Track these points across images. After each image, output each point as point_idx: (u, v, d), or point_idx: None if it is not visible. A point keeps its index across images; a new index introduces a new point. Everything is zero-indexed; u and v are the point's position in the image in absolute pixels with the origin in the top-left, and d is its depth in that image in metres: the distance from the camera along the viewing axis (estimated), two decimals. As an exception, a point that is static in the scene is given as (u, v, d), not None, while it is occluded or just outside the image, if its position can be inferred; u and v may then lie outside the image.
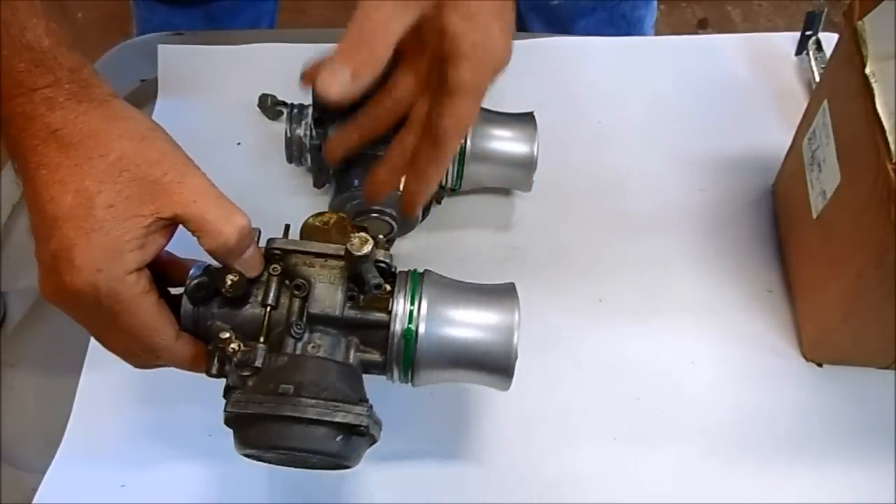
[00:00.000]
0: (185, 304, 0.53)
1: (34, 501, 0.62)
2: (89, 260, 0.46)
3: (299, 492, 0.63)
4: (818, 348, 0.69)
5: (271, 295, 0.53)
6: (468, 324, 0.55)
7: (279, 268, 0.54)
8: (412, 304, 0.54)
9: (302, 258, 0.54)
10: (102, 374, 0.68)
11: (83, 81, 0.48)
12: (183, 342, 0.53)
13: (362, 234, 0.52)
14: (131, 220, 0.47)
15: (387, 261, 0.55)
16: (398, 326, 0.54)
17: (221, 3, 1.09)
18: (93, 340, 0.69)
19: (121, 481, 0.63)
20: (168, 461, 0.64)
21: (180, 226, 0.50)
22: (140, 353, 0.53)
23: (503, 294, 0.56)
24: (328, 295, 0.54)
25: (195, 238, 0.50)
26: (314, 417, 0.49)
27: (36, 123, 0.47)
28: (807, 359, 0.70)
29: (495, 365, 0.55)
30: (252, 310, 0.53)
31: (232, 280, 0.51)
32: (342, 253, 0.54)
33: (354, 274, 0.54)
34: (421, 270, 0.57)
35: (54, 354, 0.70)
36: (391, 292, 0.54)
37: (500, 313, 0.55)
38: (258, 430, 0.50)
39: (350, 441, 0.51)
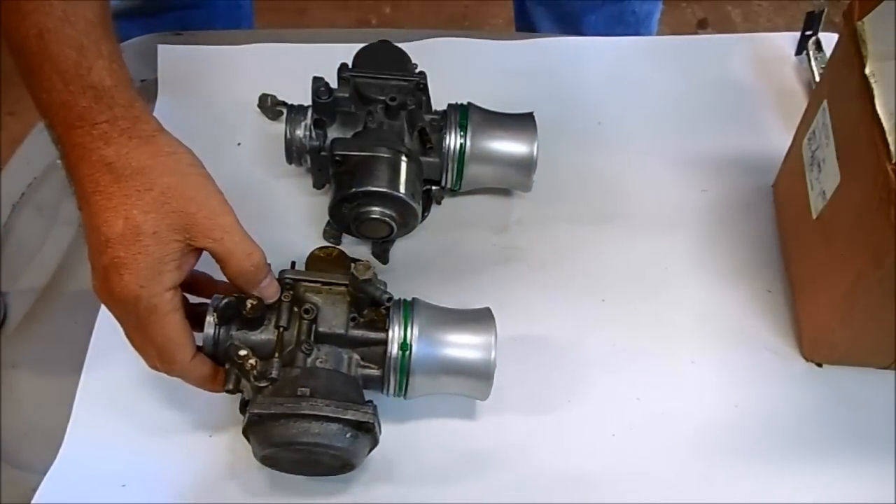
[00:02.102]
0: (208, 328, 0.60)
1: (34, 501, 0.62)
2: (135, 277, 0.54)
3: (299, 492, 0.63)
4: (818, 348, 0.69)
5: (283, 318, 0.61)
6: (453, 343, 0.63)
7: (290, 295, 0.62)
8: (406, 327, 0.62)
9: (309, 286, 0.63)
10: (102, 374, 0.68)
11: (134, 118, 0.55)
12: (197, 361, 0.60)
13: (364, 261, 0.61)
14: (171, 245, 0.55)
15: (382, 286, 0.62)
16: (395, 343, 0.61)
17: (195, 12, 1.08)
18: (93, 341, 0.70)
19: (121, 481, 0.63)
20: (168, 461, 0.64)
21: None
22: (158, 363, 0.60)
23: (482, 317, 0.64)
24: (334, 315, 0.62)
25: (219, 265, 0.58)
26: (329, 415, 0.57)
27: (93, 155, 0.54)
28: (806, 359, 0.70)
29: (478, 375, 0.63)
30: (266, 332, 0.61)
31: (252, 304, 0.59)
32: (345, 281, 0.63)
33: (357, 297, 0.62)
34: (409, 299, 0.64)
35: (54, 354, 0.70)
36: (387, 317, 0.62)
37: (481, 334, 0.63)
38: (280, 427, 0.57)
39: (358, 438, 0.58)
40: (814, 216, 0.67)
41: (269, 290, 0.60)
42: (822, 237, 0.66)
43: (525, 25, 1.17)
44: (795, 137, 0.74)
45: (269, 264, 0.61)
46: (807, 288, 0.71)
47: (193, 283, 0.61)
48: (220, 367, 0.61)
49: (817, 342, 0.69)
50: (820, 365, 0.70)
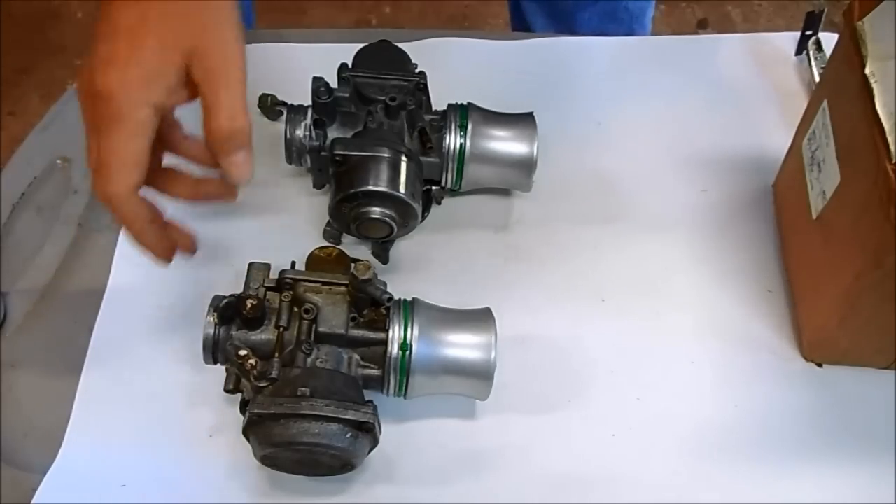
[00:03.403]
0: (208, 328, 0.60)
1: (34, 501, 0.62)
2: (121, 75, 0.52)
3: (299, 492, 0.63)
4: (817, 348, 0.69)
5: (283, 318, 0.61)
6: (453, 343, 0.62)
7: (290, 295, 0.62)
8: (406, 327, 0.62)
9: (309, 286, 0.63)
10: (102, 374, 0.68)
11: None
12: (137, 199, 0.56)
13: (364, 261, 0.61)
14: (171, 59, 0.52)
15: (382, 286, 0.62)
16: (395, 343, 0.61)
17: None
18: (93, 341, 0.69)
19: (121, 481, 0.63)
20: (168, 461, 0.64)
21: None
22: (99, 176, 0.55)
23: (482, 317, 0.64)
24: (334, 315, 0.62)
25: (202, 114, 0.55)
26: (329, 415, 0.57)
27: None
28: (806, 359, 0.70)
29: (478, 375, 0.63)
30: (266, 332, 0.61)
31: (252, 304, 0.60)
32: (345, 281, 0.63)
33: (357, 297, 0.62)
34: (409, 299, 0.64)
35: (54, 354, 0.70)
36: (387, 317, 0.62)
37: (481, 334, 0.63)
38: (280, 428, 0.57)
39: (358, 438, 0.58)
40: (814, 216, 0.67)
41: (238, 169, 0.56)
42: (822, 237, 0.66)
43: (520, 23, 1.18)
44: (795, 137, 0.74)
45: (269, 265, 0.61)
46: (807, 288, 0.71)
47: (170, 137, 0.59)
48: (159, 218, 0.59)
49: (817, 342, 0.69)
50: (820, 365, 0.70)
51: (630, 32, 1.13)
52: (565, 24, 1.10)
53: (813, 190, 0.68)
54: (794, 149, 0.74)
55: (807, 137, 0.70)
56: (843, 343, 0.68)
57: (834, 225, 0.65)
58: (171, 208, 0.76)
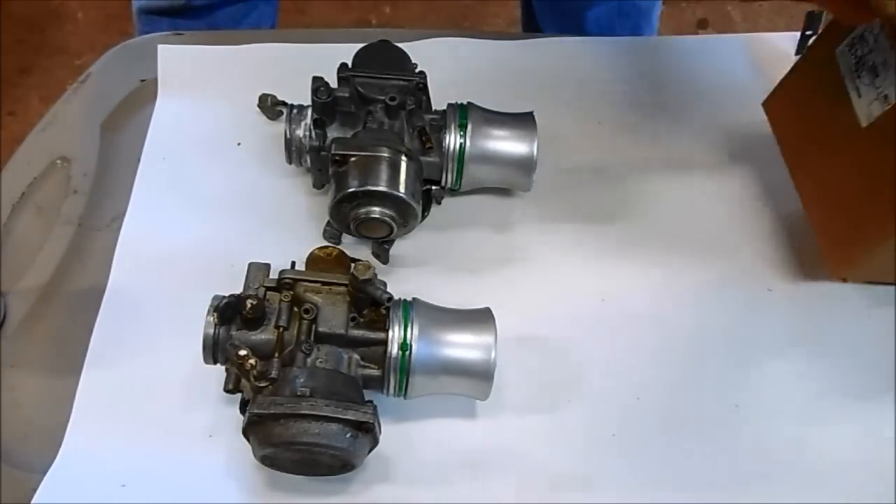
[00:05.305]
0: (208, 328, 0.61)
1: (34, 501, 0.62)
2: None
3: (299, 492, 0.63)
4: (849, 265, 0.67)
5: (283, 318, 0.61)
6: (453, 343, 0.63)
7: (290, 295, 0.62)
8: (406, 327, 0.62)
9: (309, 286, 0.63)
10: (102, 374, 0.68)
11: None
12: None
13: (364, 261, 0.62)
14: None
15: (382, 287, 0.62)
16: (395, 343, 0.61)
17: (226, 11, 1.10)
18: (93, 341, 0.69)
19: (121, 481, 0.63)
20: (168, 461, 0.64)
21: None
22: None
23: (482, 317, 0.64)
24: (334, 315, 0.62)
25: None
26: (329, 415, 0.57)
27: None
28: (833, 278, 0.69)
29: (478, 375, 0.63)
30: (266, 332, 0.61)
31: (252, 304, 0.60)
32: (345, 281, 0.63)
33: (357, 297, 0.62)
34: (409, 299, 0.64)
35: (54, 354, 0.70)
36: (387, 317, 0.62)
37: (481, 334, 0.63)
38: (280, 428, 0.57)
39: (358, 438, 0.58)
40: (863, 123, 0.64)
41: None
42: (872, 145, 0.64)
43: (529, 19, 1.18)
44: (811, 49, 0.72)
45: (269, 265, 0.60)
46: (839, 201, 0.68)
47: None
48: None
49: (848, 258, 0.67)
50: (845, 280, 0.69)
51: (637, 29, 1.13)
52: (575, 20, 1.11)
53: (863, 97, 0.65)
54: (814, 61, 0.71)
55: (846, 44, 0.67)
56: (882, 255, 0.65)
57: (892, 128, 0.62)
58: (173, 206, 0.77)
